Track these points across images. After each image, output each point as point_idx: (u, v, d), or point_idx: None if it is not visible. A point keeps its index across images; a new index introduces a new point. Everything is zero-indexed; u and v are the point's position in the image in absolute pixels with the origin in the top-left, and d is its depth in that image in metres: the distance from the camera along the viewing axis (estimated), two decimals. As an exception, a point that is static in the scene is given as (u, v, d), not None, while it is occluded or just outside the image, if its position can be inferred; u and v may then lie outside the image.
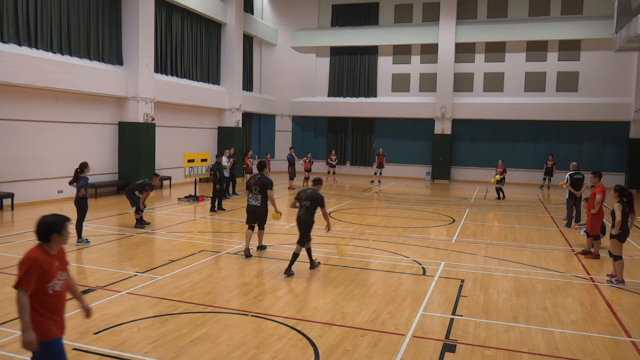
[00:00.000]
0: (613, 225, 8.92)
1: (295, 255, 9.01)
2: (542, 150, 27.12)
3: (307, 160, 23.59)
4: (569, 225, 14.46)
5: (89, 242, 10.87)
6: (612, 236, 8.90)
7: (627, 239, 9.12)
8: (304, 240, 9.09)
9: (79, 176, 10.65)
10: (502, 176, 20.75)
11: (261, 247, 10.71)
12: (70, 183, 10.91)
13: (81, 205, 10.73)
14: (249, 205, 10.17)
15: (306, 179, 23.66)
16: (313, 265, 9.40)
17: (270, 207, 10.09)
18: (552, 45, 27.05)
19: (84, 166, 10.70)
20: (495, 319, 7.07)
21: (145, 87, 19.27)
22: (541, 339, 6.42)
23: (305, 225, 9.06)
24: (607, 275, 9.30)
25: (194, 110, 23.89)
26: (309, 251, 9.28)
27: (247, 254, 10.11)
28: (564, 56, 26.92)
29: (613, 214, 8.95)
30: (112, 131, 19.08)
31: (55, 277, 4.01)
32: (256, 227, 10.35)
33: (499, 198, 20.87)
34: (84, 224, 11.00)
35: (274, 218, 10.08)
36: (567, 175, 14.11)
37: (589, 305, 7.81)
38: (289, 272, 8.93)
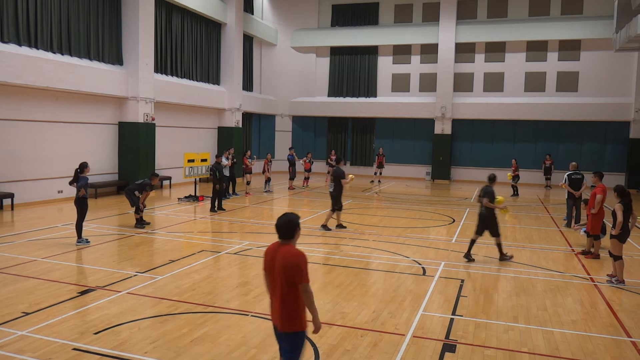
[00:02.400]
0: (614, 226, 8.92)
1: None
2: (542, 150, 27.12)
3: (307, 160, 23.60)
4: (569, 225, 14.46)
5: (89, 242, 10.87)
6: (612, 236, 8.90)
7: (628, 239, 9.12)
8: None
9: (79, 176, 10.65)
10: (515, 174, 21.37)
11: (325, 227, 13.06)
12: (71, 183, 10.90)
13: (81, 205, 10.73)
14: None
15: (306, 179, 23.67)
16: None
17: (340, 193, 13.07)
18: (552, 45, 27.05)
19: (84, 166, 10.70)
20: (495, 319, 7.07)
21: (145, 87, 19.27)
22: (541, 339, 6.42)
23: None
24: (607, 275, 9.30)
25: (194, 110, 23.89)
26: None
27: (326, 229, 13.00)
28: (564, 56, 26.92)
29: (614, 214, 8.95)
30: (112, 131, 19.08)
31: None
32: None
33: (514, 194, 21.63)
34: (83, 224, 11.00)
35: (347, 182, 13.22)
36: (565, 176, 14.12)
37: (589, 305, 7.81)
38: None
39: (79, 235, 10.83)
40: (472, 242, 10.47)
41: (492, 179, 10.55)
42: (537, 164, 26.88)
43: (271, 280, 4.36)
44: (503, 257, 10.43)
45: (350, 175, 13.40)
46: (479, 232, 10.37)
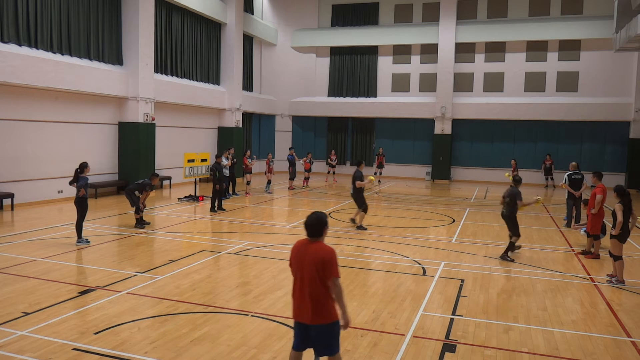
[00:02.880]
0: (614, 226, 8.92)
1: None
2: (542, 150, 27.13)
3: (307, 161, 23.60)
4: (568, 225, 14.46)
5: (89, 242, 10.87)
6: (612, 236, 8.90)
7: (628, 239, 9.12)
8: None
9: (79, 176, 10.65)
10: (514, 174, 21.15)
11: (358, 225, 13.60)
12: (71, 183, 10.90)
13: (81, 205, 10.73)
14: None
15: (306, 179, 23.67)
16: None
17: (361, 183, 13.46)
18: (552, 45, 27.04)
19: (84, 166, 10.69)
20: (495, 319, 7.07)
21: (145, 87, 19.27)
22: (541, 339, 6.42)
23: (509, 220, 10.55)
24: (607, 275, 9.30)
25: (194, 110, 23.89)
26: None
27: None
28: (564, 56, 26.91)
29: (614, 214, 8.95)
30: (112, 131, 19.08)
31: None
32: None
33: None
34: (84, 224, 11.00)
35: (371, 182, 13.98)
36: (565, 176, 14.14)
37: (589, 305, 7.81)
38: None
39: (79, 235, 10.82)
40: (512, 244, 10.61)
41: (518, 180, 10.82)
42: (536, 164, 26.88)
43: (299, 277, 4.50)
44: (505, 257, 10.52)
45: (370, 177, 13.93)
46: (517, 232, 10.56)
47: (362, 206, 13.52)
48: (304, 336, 4.56)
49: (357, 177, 13.46)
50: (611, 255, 8.97)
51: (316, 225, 4.50)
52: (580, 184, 13.93)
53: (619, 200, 9.02)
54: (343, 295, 4.45)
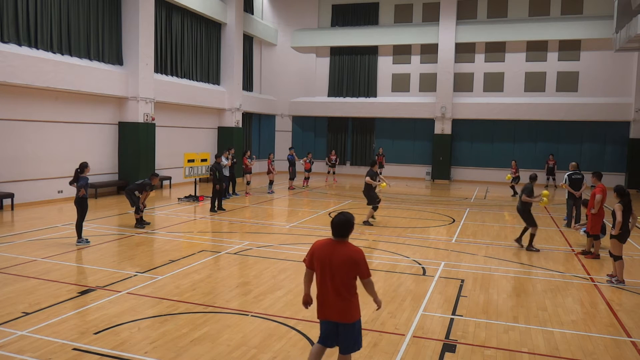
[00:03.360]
0: (614, 226, 8.92)
1: None
2: (542, 150, 27.14)
3: (307, 161, 23.60)
4: (568, 225, 14.46)
5: (89, 242, 10.87)
6: (612, 236, 8.90)
7: (628, 239, 9.12)
8: None
9: (79, 176, 10.65)
10: (514, 175, 21.67)
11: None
12: (71, 183, 10.90)
13: (81, 205, 10.72)
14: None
15: (306, 179, 23.67)
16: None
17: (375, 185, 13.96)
18: (552, 45, 27.04)
19: (84, 166, 10.69)
20: (495, 319, 7.07)
21: (145, 87, 19.27)
22: (541, 339, 6.42)
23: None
24: (607, 275, 9.31)
25: (194, 110, 23.89)
26: None
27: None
28: (564, 56, 26.92)
29: (614, 214, 8.95)
30: (112, 131, 19.08)
31: None
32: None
33: (514, 195, 21.71)
34: (84, 224, 11.00)
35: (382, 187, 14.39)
36: (565, 176, 14.18)
37: (589, 305, 7.81)
38: None
39: (79, 235, 10.82)
40: (532, 236, 11.47)
41: (533, 178, 12.03)
42: (536, 164, 26.83)
43: (324, 276, 4.56)
44: (530, 248, 11.39)
45: (382, 184, 14.28)
46: (533, 223, 11.49)
47: (372, 203, 14.12)
48: (330, 334, 4.68)
49: (369, 175, 14.02)
50: (611, 255, 8.97)
51: (344, 226, 4.56)
52: (580, 184, 13.96)
53: (619, 200, 9.02)
54: (374, 287, 4.69)
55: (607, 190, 10.73)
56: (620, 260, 8.85)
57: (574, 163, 14.72)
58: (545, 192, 11.89)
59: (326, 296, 4.58)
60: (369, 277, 4.56)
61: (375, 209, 14.25)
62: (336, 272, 4.49)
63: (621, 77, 25.99)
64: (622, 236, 8.83)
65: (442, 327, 6.71)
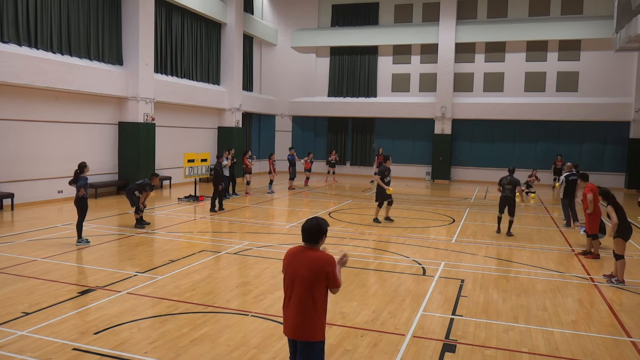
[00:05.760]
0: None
1: None
2: (542, 150, 27.13)
3: (307, 160, 23.61)
4: (568, 225, 14.48)
5: (89, 242, 10.87)
6: (616, 236, 8.90)
7: (630, 237, 9.11)
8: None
9: (79, 176, 10.65)
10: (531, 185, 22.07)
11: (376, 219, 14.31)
12: (70, 183, 10.90)
13: (81, 206, 10.73)
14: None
15: (307, 178, 23.69)
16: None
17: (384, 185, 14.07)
18: (552, 45, 27.04)
19: (83, 166, 10.69)
20: (495, 319, 7.07)
21: (145, 87, 19.27)
22: (541, 339, 6.42)
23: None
24: (604, 275, 9.31)
25: (194, 110, 23.89)
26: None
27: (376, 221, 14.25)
28: (564, 56, 26.91)
29: (609, 216, 9.00)
30: (112, 131, 19.08)
31: None
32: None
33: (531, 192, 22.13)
34: (84, 223, 11.00)
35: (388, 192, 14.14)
36: (562, 177, 14.38)
37: (589, 305, 7.81)
38: None
39: (79, 235, 10.83)
40: (511, 222, 13.17)
41: (511, 170, 13.41)
42: (537, 164, 26.79)
43: (289, 285, 4.16)
44: (509, 233, 13.01)
45: (390, 189, 14.11)
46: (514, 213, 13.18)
47: (377, 200, 14.41)
48: (293, 351, 4.25)
49: (379, 171, 14.28)
50: (614, 254, 8.97)
51: (314, 231, 4.14)
52: (576, 184, 14.11)
53: (607, 203, 9.09)
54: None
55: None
56: (622, 259, 8.86)
57: (569, 164, 14.90)
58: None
59: (288, 309, 4.17)
60: (338, 288, 4.16)
61: (380, 205, 14.36)
62: (306, 282, 4.05)
63: (621, 77, 25.99)
64: (624, 234, 8.85)
65: (442, 327, 6.71)
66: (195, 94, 23.03)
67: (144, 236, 11.91)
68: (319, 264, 4.05)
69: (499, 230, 13.40)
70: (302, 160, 23.61)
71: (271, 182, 20.73)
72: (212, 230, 13.16)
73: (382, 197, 14.23)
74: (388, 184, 14.17)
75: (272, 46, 31.22)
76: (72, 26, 16.95)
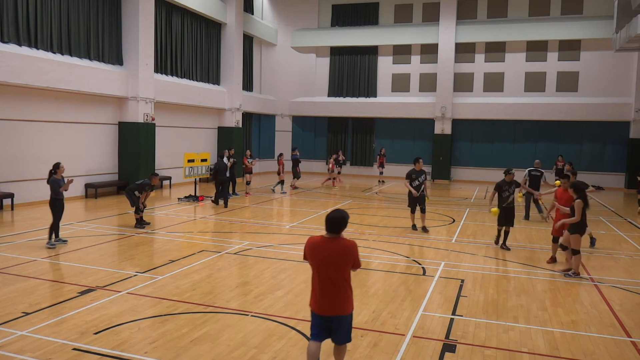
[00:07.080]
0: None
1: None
2: (542, 150, 27.11)
3: (332, 162, 23.90)
4: (527, 218, 15.20)
5: (66, 241, 10.66)
6: (574, 231, 9.10)
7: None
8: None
9: (51, 177, 10.44)
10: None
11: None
12: (48, 182, 10.59)
13: (54, 206, 10.38)
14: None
15: (333, 179, 23.92)
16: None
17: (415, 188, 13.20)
18: (552, 45, 27.04)
19: (56, 167, 10.36)
20: (495, 319, 7.07)
21: (145, 87, 19.27)
22: (541, 339, 6.42)
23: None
24: (561, 270, 9.53)
25: (194, 110, 23.89)
26: None
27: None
28: (564, 56, 26.91)
29: (572, 209, 9.16)
30: (112, 131, 19.08)
31: None
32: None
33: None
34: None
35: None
36: (526, 171, 15.07)
37: (589, 305, 7.81)
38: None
39: (49, 236, 10.49)
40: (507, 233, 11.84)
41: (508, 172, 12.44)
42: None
43: (322, 273, 4.71)
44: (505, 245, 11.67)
45: (494, 210, 13.54)
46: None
47: (410, 205, 13.40)
48: (325, 328, 4.81)
49: (407, 175, 13.25)
50: (571, 249, 9.16)
51: (338, 222, 4.70)
52: (539, 180, 14.66)
53: (577, 196, 9.01)
54: None
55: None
56: (579, 254, 9.15)
57: (537, 160, 15.45)
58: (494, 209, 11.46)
59: (328, 291, 4.72)
60: (359, 267, 4.87)
61: (412, 212, 13.36)
62: (337, 267, 4.67)
63: (621, 77, 25.99)
64: (582, 230, 9.15)
65: (442, 327, 6.71)
66: (195, 94, 23.03)
67: (144, 236, 11.91)
68: (348, 250, 4.71)
69: (498, 242, 11.84)
70: (329, 162, 24.05)
71: (282, 182, 20.73)
72: (212, 230, 13.16)
73: (412, 203, 13.25)
74: (417, 188, 12.97)
75: (272, 46, 31.22)
76: (72, 26, 16.95)
